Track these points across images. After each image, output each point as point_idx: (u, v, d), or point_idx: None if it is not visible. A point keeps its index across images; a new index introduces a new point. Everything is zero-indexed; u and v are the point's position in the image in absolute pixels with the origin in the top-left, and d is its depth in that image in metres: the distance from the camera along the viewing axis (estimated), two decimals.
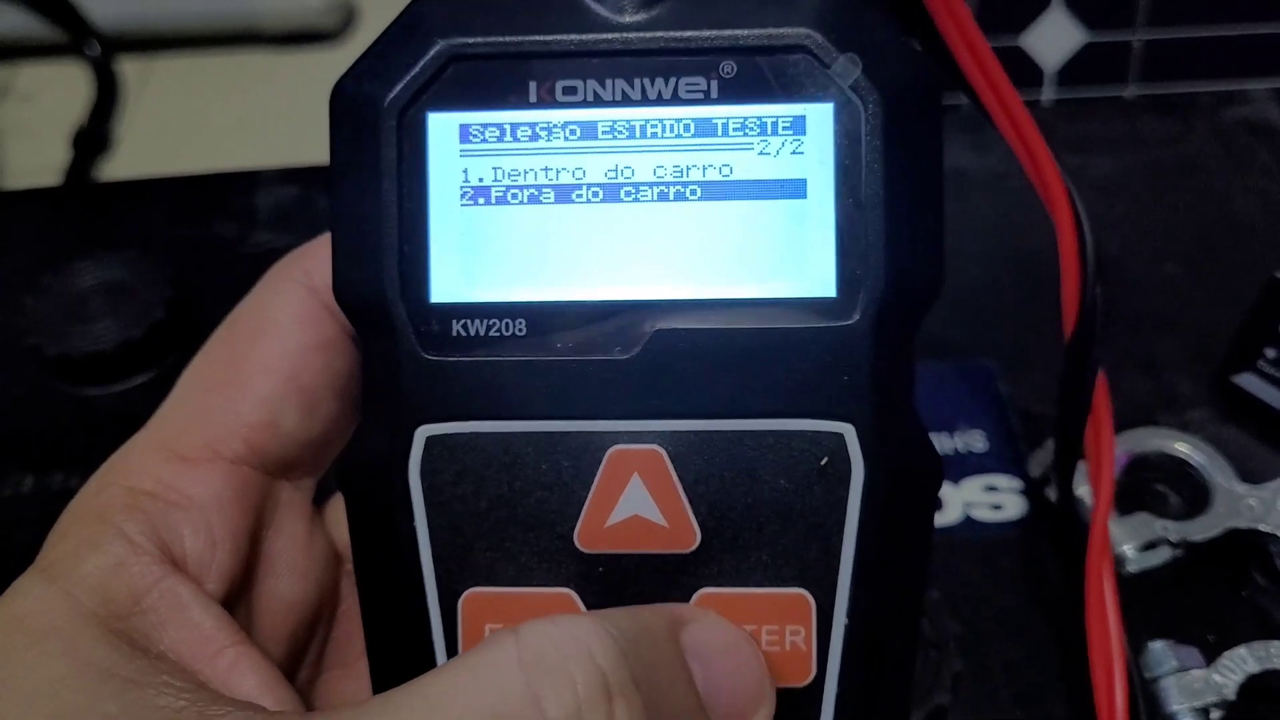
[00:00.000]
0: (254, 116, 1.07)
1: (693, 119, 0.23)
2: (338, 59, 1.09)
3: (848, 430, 0.23)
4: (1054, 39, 0.64)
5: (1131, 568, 0.38)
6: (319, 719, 0.20)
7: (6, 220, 0.53)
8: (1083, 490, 0.37)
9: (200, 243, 0.51)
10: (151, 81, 1.10)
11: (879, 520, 0.23)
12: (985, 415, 0.44)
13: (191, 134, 1.06)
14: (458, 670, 0.20)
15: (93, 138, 1.03)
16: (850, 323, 0.23)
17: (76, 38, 1.07)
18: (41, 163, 1.02)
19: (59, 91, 1.08)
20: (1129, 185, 0.52)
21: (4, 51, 1.11)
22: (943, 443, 0.43)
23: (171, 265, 0.48)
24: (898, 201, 0.23)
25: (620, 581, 0.23)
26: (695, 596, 0.23)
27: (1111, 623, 0.32)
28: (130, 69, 1.10)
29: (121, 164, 1.04)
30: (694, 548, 0.23)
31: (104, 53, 1.07)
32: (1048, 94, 0.65)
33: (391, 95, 0.23)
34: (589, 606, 0.23)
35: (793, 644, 0.23)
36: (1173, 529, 0.38)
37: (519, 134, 0.23)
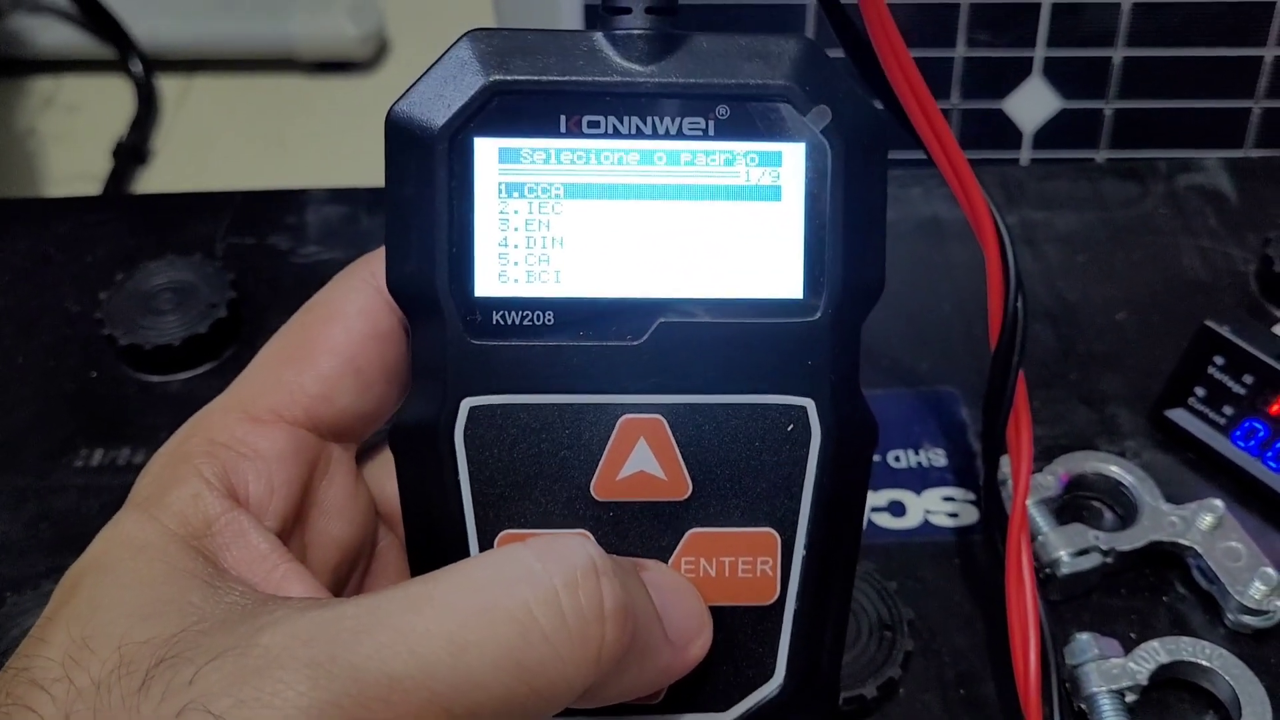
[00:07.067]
0: (286, 138, 1.10)
1: (692, 151, 0.28)
2: (368, 88, 1.14)
3: (809, 404, 0.28)
4: (1032, 105, 0.69)
5: (1065, 570, 0.42)
6: (366, 598, 0.24)
7: (87, 223, 0.58)
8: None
9: (257, 251, 0.56)
10: (189, 99, 1.15)
11: (830, 474, 0.28)
12: (947, 436, 0.49)
13: (224, 151, 1.10)
14: (482, 557, 0.25)
15: (132, 150, 1.07)
16: (814, 319, 0.28)
17: (121, 54, 1.12)
18: (82, 171, 1.06)
19: (101, 104, 1.10)
20: (1089, 240, 0.57)
21: (52, 64, 1.15)
22: (908, 458, 0.48)
23: (232, 270, 0.53)
24: (853, 223, 0.28)
25: (628, 524, 0.28)
26: (686, 535, 0.29)
27: (1028, 587, 0.37)
28: (169, 86, 1.13)
29: (157, 176, 1.08)
30: (687, 496, 0.29)
31: (145, 70, 1.12)
32: (1025, 155, 0.71)
33: (444, 121, 0.27)
34: (602, 544, 0.28)
35: (762, 571, 0.29)
36: (1103, 539, 0.43)
37: (549, 157, 0.28)
